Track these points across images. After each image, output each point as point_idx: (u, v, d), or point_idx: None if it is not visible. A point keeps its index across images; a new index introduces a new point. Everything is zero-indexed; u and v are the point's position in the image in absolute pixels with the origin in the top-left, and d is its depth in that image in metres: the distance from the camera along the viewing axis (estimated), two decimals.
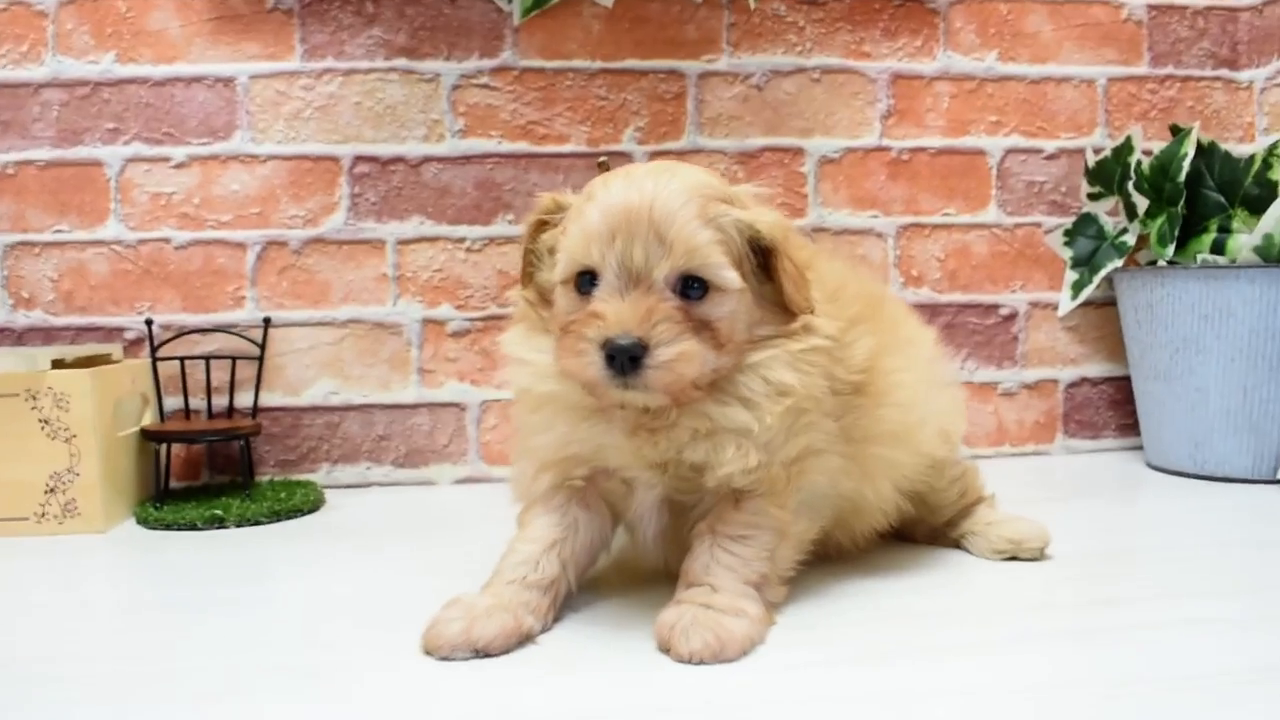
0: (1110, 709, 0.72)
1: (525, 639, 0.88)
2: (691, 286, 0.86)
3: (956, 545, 1.17)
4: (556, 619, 0.93)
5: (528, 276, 0.97)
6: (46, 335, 1.58)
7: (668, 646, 0.84)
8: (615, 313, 0.84)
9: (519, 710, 0.74)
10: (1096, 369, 1.78)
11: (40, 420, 1.33)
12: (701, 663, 0.82)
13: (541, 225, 0.95)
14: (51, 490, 1.34)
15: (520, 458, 1.03)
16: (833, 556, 1.08)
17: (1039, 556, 1.11)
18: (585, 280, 0.87)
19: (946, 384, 1.15)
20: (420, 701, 0.76)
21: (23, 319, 1.58)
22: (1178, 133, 1.61)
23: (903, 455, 1.04)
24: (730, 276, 0.86)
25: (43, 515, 1.34)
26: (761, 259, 0.90)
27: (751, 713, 0.73)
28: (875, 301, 1.05)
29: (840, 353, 0.94)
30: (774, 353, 0.90)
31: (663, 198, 0.85)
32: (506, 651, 0.86)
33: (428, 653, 0.85)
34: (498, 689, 0.78)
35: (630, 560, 1.07)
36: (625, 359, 0.82)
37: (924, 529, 1.18)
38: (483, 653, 0.85)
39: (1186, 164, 1.57)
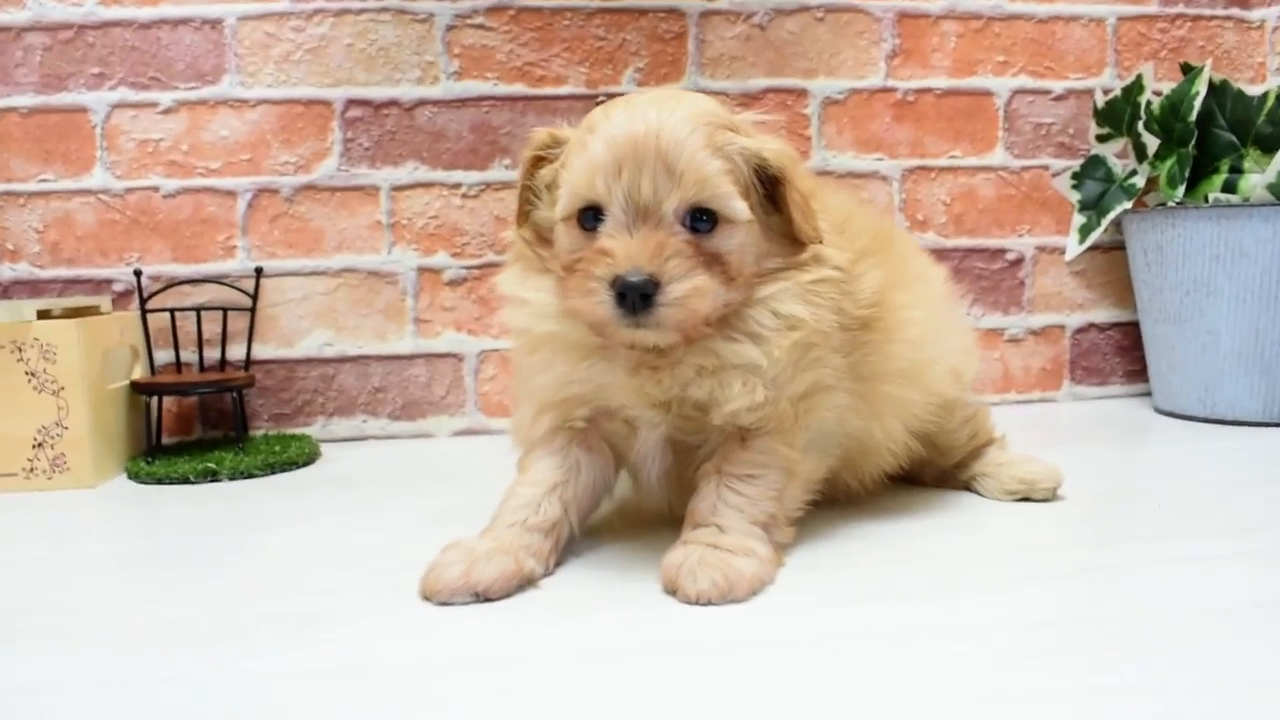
0: (1124, 641, 0.71)
1: (526, 582, 0.85)
2: (700, 219, 0.83)
3: (966, 487, 1.14)
4: (558, 563, 0.91)
5: (524, 215, 0.93)
6: (33, 288, 1.54)
7: (674, 587, 0.82)
8: (625, 249, 0.81)
9: (520, 651, 0.72)
10: (1104, 314, 1.75)
11: (27, 373, 1.30)
12: (709, 603, 0.80)
13: (538, 161, 0.91)
14: (39, 444, 1.31)
15: (519, 401, 1.00)
16: (840, 499, 1.06)
17: (1051, 497, 1.09)
18: (589, 216, 0.84)
19: (957, 323, 1.13)
20: (419, 644, 0.74)
21: (8, 272, 1.54)
22: (1188, 72, 1.58)
23: (913, 393, 1.01)
24: (740, 207, 0.83)
25: (31, 470, 1.31)
26: (768, 189, 0.87)
27: (760, 651, 0.71)
28: (884, 236, 1.02)
29: (849, 285, 0.91)
30: (784, 285, 0.87)
31: (669, 126, 0.82)
32: (507, 595, 0.83)
33: (426, 597, 0.83)
34: (498, 631, 0.76)
35: (633, 504, 1.05)
36: (637, 297, 0.80)
37: (933, 471, 1.16)
38: (483, 596, 0.82)
39: (1198, 103, 1.54)
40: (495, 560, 0.84)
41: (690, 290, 0.81)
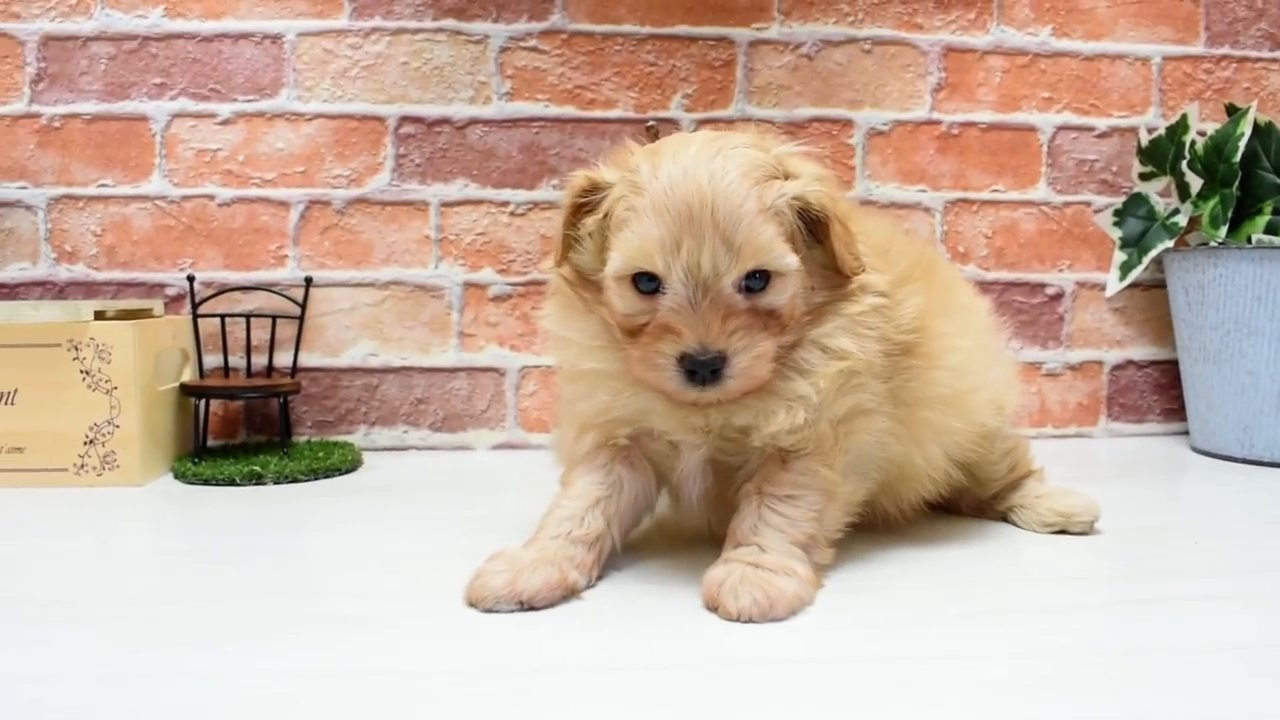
0: (1154, 674, 0.71)
1: (570, 593, 0.87)
2: (755, 279, 0.85)
3: (1003, 518, 1.15)
4: (601, 576, 0.92)
5: (564, 257, 0.93)
6: (88, 290, 1.58)
7: (715, 604, 0.83)
8: (691, 328, 0.83)
9: (560, 661, 0.73)
10: (1142, 352, 1.76)
11: (82, 371, 1.33)
12: (750, 621, 0.80)
13: (579, 208, 0.91)
14: (91, 441, 1.34)
15: (562, 421, 1.02)
16: (879, 526, 1.06)
17: (1088, 530, 1.09)
18: (644, 279, 0.85)
19: (1001, 355, 1.13)
20: (455, 649, 0.75)
21: (65, 273, 1.58)
22: (1233, 113, 1.58)
23: (954, 421, 1.02)
24: (791, 261, 0.85)
25: (82, 466, 1.34)
26: (811, 225, 0.88)
27: (796, 670, 0.71)
28: (926, 263, 1.03)
29: (890, 311, 0.92)
30: (833, 323, 0.89)
31: (724, 194, 0.82)
32: (551, 605, 0.85)
33: (472, 604, 0.84)
34: (539, 640, 0.77)
35: (674, 523, 1.06)
36: (706, 372, 0.83)
37: (970, 501, 1.16)
38: (527, 605, 0.83)
39: (1242, 144, 1.54)
40: (540, 570, 0.86)
41: (754, 359, 0.84)
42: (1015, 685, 0.69)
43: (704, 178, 0.83)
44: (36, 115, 1.56)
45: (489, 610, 0.83)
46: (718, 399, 0.86)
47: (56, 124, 1.56)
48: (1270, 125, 1.57)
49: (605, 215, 0.88)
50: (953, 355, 0.99)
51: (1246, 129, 1.55)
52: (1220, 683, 0.69)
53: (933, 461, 1.03)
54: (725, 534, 0.91)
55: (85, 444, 1.34)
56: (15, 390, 1.33)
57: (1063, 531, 1.09)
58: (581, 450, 0.97)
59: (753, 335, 0.84)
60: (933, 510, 1.15)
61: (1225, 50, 1.74)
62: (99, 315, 1.35)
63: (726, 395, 0.85)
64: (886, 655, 0.74)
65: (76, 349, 1.33)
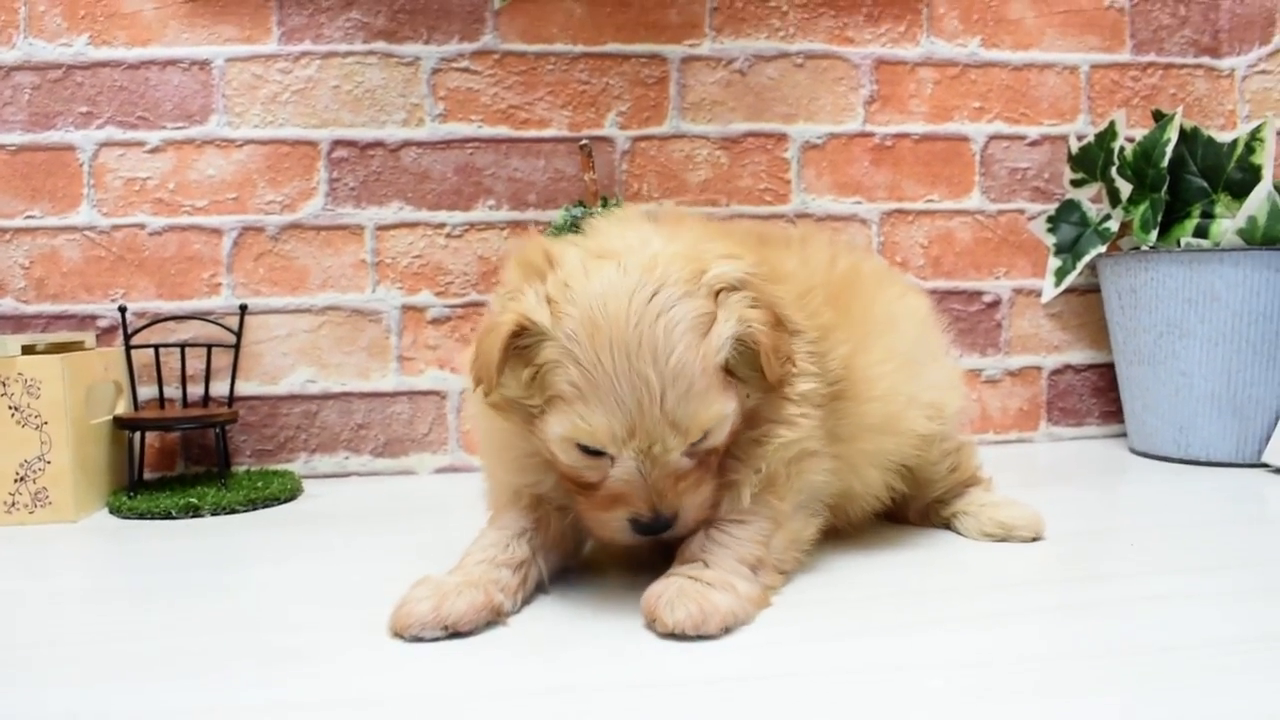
0: (1098, 676, 0.71)
1: (495, 615, 0.86)
2: (701, 439, 0.85)
3: (947, 525, 1.15)
4: (530, 601, 0.92)
5: (490, 385, 0.86)
6: (18, 323, 1.55)
7: (653, 618, 0.82)
8: (644, 499, 0.84)
9: (492, 687, 0.72)
10: (1080, 356, 1.78)
11: (10, 407, 1.31)
12: (684, 634, 0.80)
13: (510, 348, 0.85)
14: (21, 479, 1.31)
15: (488, 473, 1.03)
16: (824, 535, 1.06)
17: (1029, 542, 1.09)
18: (592, 449, 0.85)
19: (936, 359, 1.12)
20: (395, 679, 0.74)
21: None
22: (1160, 119, 1.61)
23: (887, 442, 1.03)
24: (730, 408, 0.85)
25: (13, 505, 1.31)
26: (746, 348, 0.86)
27: (734, 687, 0.71)
28: (844, 282, 1.03)
29: (817, 364, 0.93)
30: (768, 424, 0.91)
31: (672, 378, 0.81)
32: (476, 629, 0.84)
33: (397, 634, 0.82)
34: (473, 666, 0.77)
35: (606, 550, 1.06)
36: (662, 528, 0.86)
37: (917, 506, 1.16)
38: (452, 629, 0.82)
39: (1170, 149, 1.57)
40: (465, 594, 0.85)
41: (700, 505, 0.87)
42: (954, 694, 0.69)
43: (647, 363, 0.80)
44: None
45: (415, 638, 0.82)
46: (671, 539, 0.89)
47: None
48: (1196, 130, 1.60)
49: (540, 367, 0.84)
50: (880, 384, 1.00)
51: (1173, 134, 1.57)
52: (1157, 683, 0.70)
53: (871, 485, 1.05)
54: (675, 555, 0.91)
55: (16, 481, 1.31)
56: None
57: (1003, 540, 1.10)
58: (505, 498, 0.97)
59: (700, 485, 0.86)
60: (879, 519, 1.15)
61: (1151, 58, 1.77)
62: (28, 350, 1.33)
63: (675, 537, 0.88)
64: (827, 669, 0.74)
65: (4, 385, 1.30)
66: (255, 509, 1.37)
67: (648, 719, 0.66)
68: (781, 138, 1.67)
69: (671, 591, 0.83)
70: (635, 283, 0.82)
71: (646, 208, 1.08)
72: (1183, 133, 1.59)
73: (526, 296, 0.85)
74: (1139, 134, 1.63)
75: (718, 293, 0.84)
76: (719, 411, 0.83)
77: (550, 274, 0.85)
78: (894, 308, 1.09)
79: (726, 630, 0.82)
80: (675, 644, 0.80)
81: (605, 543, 0.91)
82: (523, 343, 0.84)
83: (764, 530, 0.91)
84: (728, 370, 0.85)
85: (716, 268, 0.85)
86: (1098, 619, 0.84)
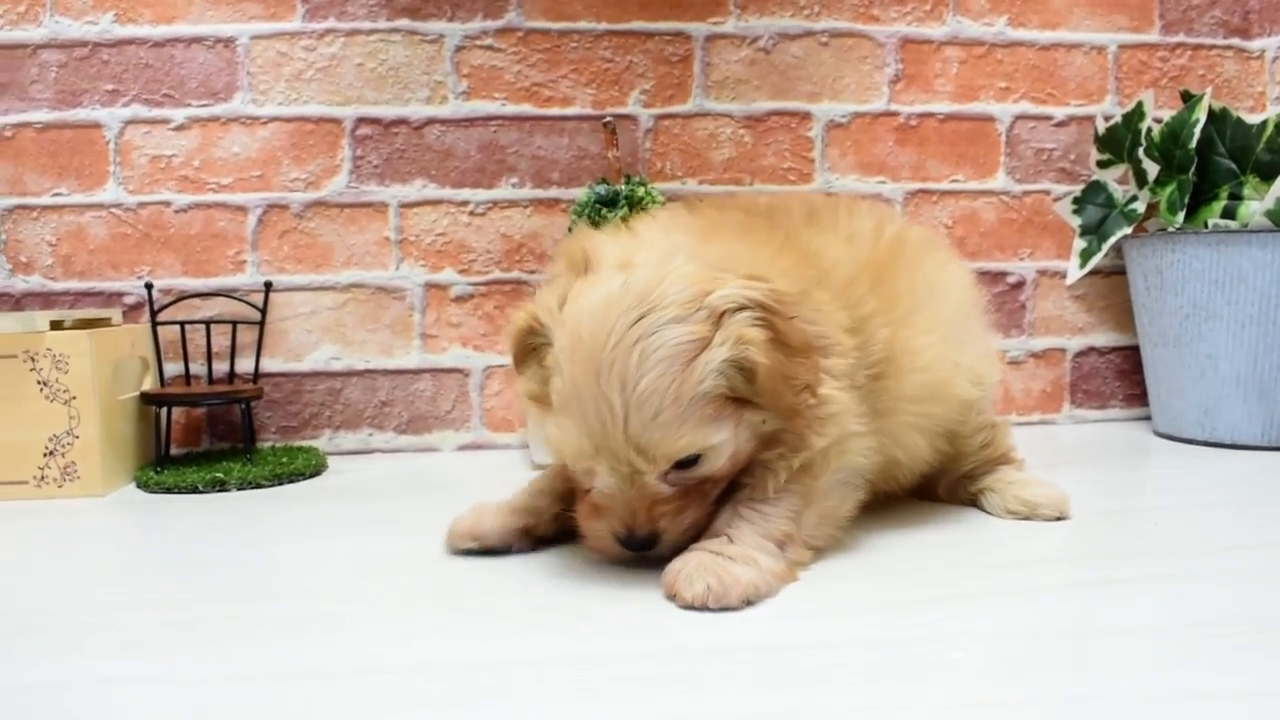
0: (1121, 653, 0.72)
1: (524, 536, 0.99)
2: (682, 464, 0.85)
3: (973, 502, 1.15)
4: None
5: (517, 371, 0.92)
6: (45, 300, 1.56)
7: (673, 592, 0.83)
8: (619, 516, 0.87)
9: (512, 657, 0.73)
10: (1104, 338, 1.77)
11: (39, 382, 1.32)
12: (705, 607, 0.81)
13: (525, 350, 0.90)
14: (50, 453, 1.33)
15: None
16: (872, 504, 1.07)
17: (1052, 521, 1.09)
18: None
19: (978, 324, 1.13)
20: (419, 647, 0.75)
21: (21, 284, 1.56)
22: (1188, 99, 1.60)
23: (934, 408, 1.03)
24: (718, 439, 0.84)
25: (42, 479, 1.33)
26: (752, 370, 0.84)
27: (751, 657, 0.72)
28: (887, 257, 1.03)
29: (861, 346, 0.93)
30: (785, 451, 0.90)
31: (636, 406, 0.81)
32: (505, 546, 0.98)
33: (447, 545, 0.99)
34: (500, 635, 0.77)
35: None
36: (639, 546, 0.88)
37: (947, 480, 1.16)
38: (482, 543, 0.97)
39: (1198, 130, 1.55)
40: (499, 517, 0.99)
41: (683, 531, 0.88)
42: (972, 666, 0.69)
43: (614, 387, 0.81)
44: None
45: (456, 551, 0.98)
46: (658, 557, 0.89)
47: (8, 134, 1.54)
48: (1225, 111, 1.58)
49: (547, 368, 0.87)
50: (924, 355, 1.00)
51: (1201, 115, 1.56)
52: (1175, 660, 0.70)
53: (917, 452, 1.05)
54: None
55: (45, 455, 1.32)
56: None
57: (1027, 519, 1.09)
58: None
59: (681, 513, 0.87)
60: (905, 496, 1.16)
61: (1180, 38, 1.76)
62: (55, 325, 1.34)
63: (664, 555, 0.87)
64: (845, 641, 0.74)
65: (33, 360, 1.31)
66: (280, 484, 1.38)
67: (661, 688, 0.66)
68: (805, 117, 1.66)
69: (691, 566, 0.83)
70: (627, 303, 0.82)
71: (687, 205, 1.06)
72: (1211, 114, 1.57)
73: (547, 295, 0.88)
74: (1167, 115, 1.61)
75: (722, 314, 0.83)
76: (693, 442, 0.83)
77: (581, 275, 0.87)
78: (937, 275, 1.08)
79: (748, 603, 0.82)
80: (696, 614, 0.80)
81: (596, 555, 0.92)
82: (534, 341, 0.88)
83: (794, 506, 0.90)
84: (732, 397, 0.84)
85: (722, 289, 0.83)
86: (1119, 597, 0.84)
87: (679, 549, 0.87)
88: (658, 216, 0.99)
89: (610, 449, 0.82)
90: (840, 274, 0.96)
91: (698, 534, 0.89)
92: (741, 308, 0.83)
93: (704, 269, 0.85)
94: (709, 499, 0.89)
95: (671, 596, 0.83)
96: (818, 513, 0.92)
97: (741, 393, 0.84)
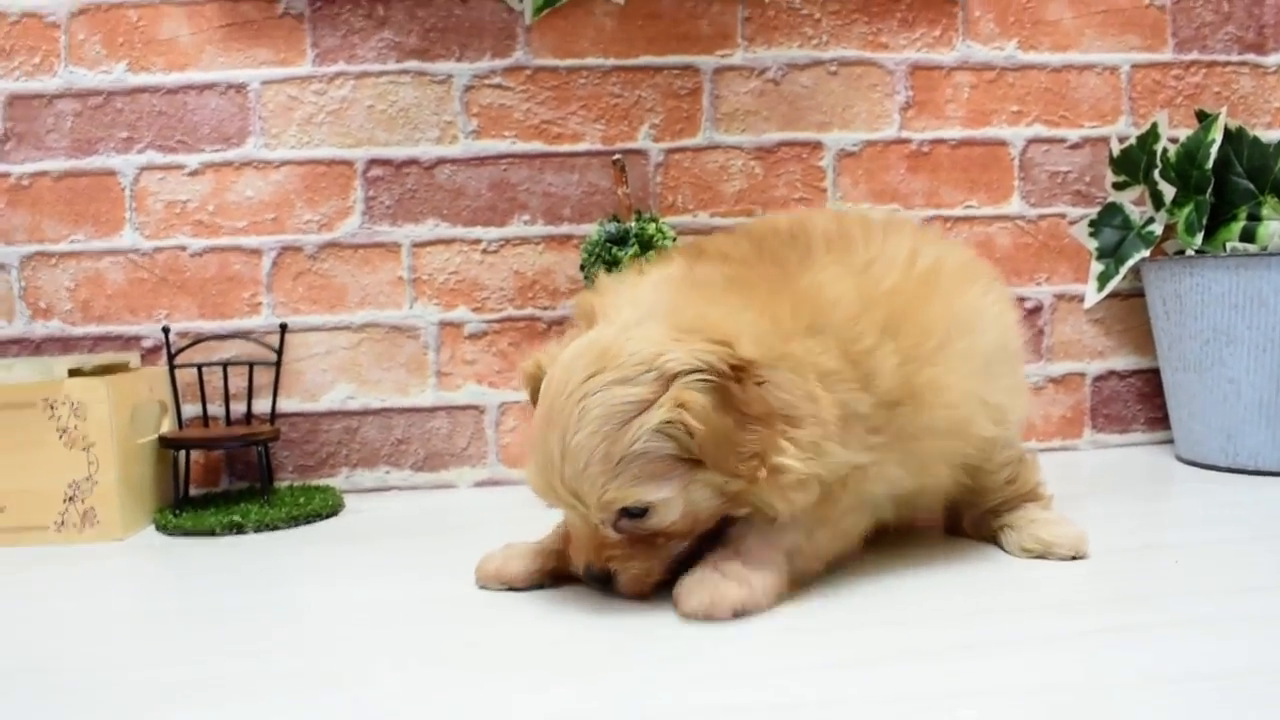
0: (1138, 709, 0.70)
1: (548, 577, 1.02)
2: (628, 513, 0.90)
3: (994, 539, 1.13)
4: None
5: None
6: (64, 345, 1.58)
7: (676, 604, 0.90)
8: (575, 549, 0.95)
9: (535, 713, 0.73)
10: (1124, 362, 1.75)
11: (58, 429, 1.33)
12: (699, 619, 0.88)
13: (533, 392, 0.98)
14: (70, 499, 1.34)
15: None
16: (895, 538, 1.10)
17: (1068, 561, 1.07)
18: None
19: (1013, 358, 1.11)
20: (435, 703, 0.75)
21: (41, 329, 1.58)
22: (1204, 119, 1.58)
23: (957, 444, 1.02)
24: (660, 496, 0.88)
25: (62, 524, 1.34)
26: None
27: (764, 715, 0.71)
28: (927, 282, 1.01)
29: (863, 380, 0.93)
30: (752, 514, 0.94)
31: (571, 456, 0.87)
32: (529, 586, 1.01)
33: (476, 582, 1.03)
34: (517, 692, 0.77)
35: None
36: (596, 580, 0.94)
37: (972, 515, 1.15)
38: (508, 585, 1.01)
39: (1214, 150, 1.54)
40: (524, 560, 1.02)
41: (632, 578, 0.93)
42: None
43: (556, 436, 0.88)
44: (5, 175, 1.56)
45: (482, 587, 1.02)
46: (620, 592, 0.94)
47: (25, 182, 1.56)
48: (1241, 130, 1.57)
49: None
50: (950, 392, 0.98)
51: (1218, 135, 1.54)
52: (1191, 715, 0.68)
53: (939, 481, 1.05)
54: None
55: (65, 501, 1.34)
56: None
57: (1042, 557, 1.08)
58: None
59: (631, 558, 0.92)
60: (925, 532, 1.15)
61: (1194, 56, 1.74)
62: (74, 372, 1.35)
63: (624, 592, 0.93)
64: (856, 698, 0.73)
65: (52, 408, 1.33)
66: (298, 525, 1.39)
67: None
68: (816, 146, 1.66)
69: (692, 580, 0.90)
70: (586, 360, 0.89)
71: (689, 250, 1.07)
72: (1227, 133, 1.56)
73: (556, 344, 0.97)
74: (1182, 134, 1.60)
75: (674, 377, 0.86)
76: (621, 497, 0.87)
77: (582, 328, 0.96)
78: (976, 305, 1.05)
79: (737, 616, 0.88)
80: (708, 676, 0.79)
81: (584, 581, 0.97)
82: (538, 385, 0.96)
83: (805, 524, 0.93)
84: (684, 457, 0.87)
85: (674, 352, 0.86)
86: (1136, 645, 0.83)
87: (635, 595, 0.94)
88: (661, 266, 1.02)
89: (555, 491, 0.90)
90: (842, 310, 0.95)
91: (677, 572, 0.93)
92: (693, 371, 0.86)
93: (669, 330, 0.89)
94: (664, 551, 0.93)
95: (676, 606, 0.90)
96: (830, 532, 0.96)
97: (695, 454, 0.87)
